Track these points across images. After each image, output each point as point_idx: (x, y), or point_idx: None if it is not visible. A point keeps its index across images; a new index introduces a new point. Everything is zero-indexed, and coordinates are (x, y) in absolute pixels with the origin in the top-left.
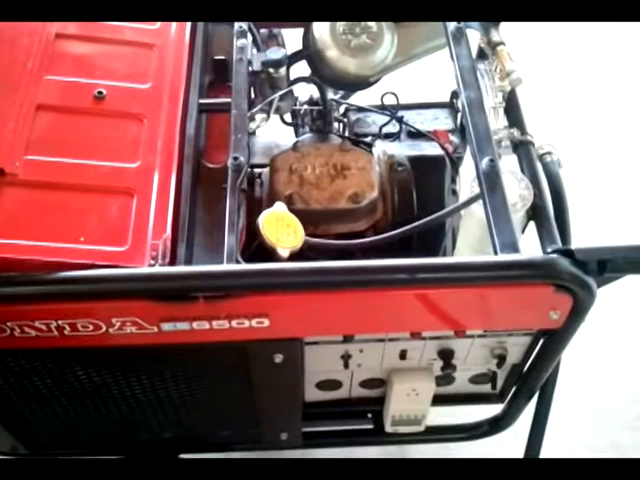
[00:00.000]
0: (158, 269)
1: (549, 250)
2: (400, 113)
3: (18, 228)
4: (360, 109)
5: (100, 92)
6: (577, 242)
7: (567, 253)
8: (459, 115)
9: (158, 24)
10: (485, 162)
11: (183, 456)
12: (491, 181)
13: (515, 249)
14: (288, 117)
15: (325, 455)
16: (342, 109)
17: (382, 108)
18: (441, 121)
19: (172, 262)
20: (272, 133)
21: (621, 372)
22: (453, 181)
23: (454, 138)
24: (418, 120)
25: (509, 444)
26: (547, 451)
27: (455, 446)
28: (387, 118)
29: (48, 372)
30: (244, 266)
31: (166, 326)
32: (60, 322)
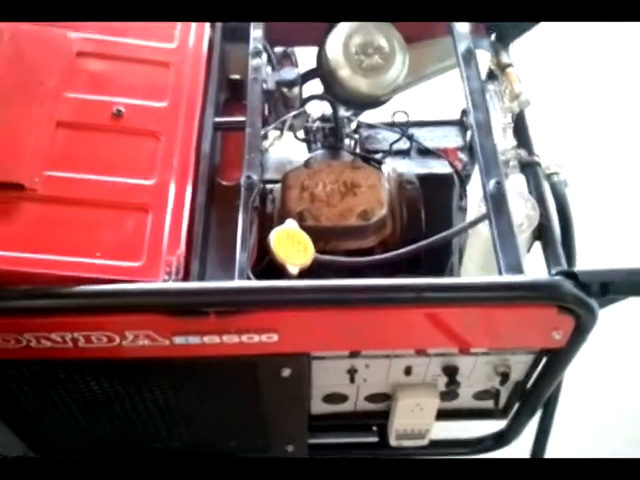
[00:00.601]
0: (172, 284)
1: (553, 272)
2: (410, 130)
3: (36, 242)
4: (371, 126)
5: (118, 110)
6: (582, 262)
7: (570, 275)
8: (468, 133)
9: (176, 43)
10: (492, 184)
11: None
12: (497, 203)
13: (519, 270)
14: (301, 133)
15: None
16: (353, 125)
17: (393, 125)
18: (451, 139)
19: (185, 278)
20: (285, 148)
21: (624, 389)
22: (461, 198)
23: (463, 156)
24: (428, 137)
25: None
26: None
27: None
28: (397, 135)
29: (62, 382)
30: (255, 283)
31: (178, 339)
32: (75, 334)
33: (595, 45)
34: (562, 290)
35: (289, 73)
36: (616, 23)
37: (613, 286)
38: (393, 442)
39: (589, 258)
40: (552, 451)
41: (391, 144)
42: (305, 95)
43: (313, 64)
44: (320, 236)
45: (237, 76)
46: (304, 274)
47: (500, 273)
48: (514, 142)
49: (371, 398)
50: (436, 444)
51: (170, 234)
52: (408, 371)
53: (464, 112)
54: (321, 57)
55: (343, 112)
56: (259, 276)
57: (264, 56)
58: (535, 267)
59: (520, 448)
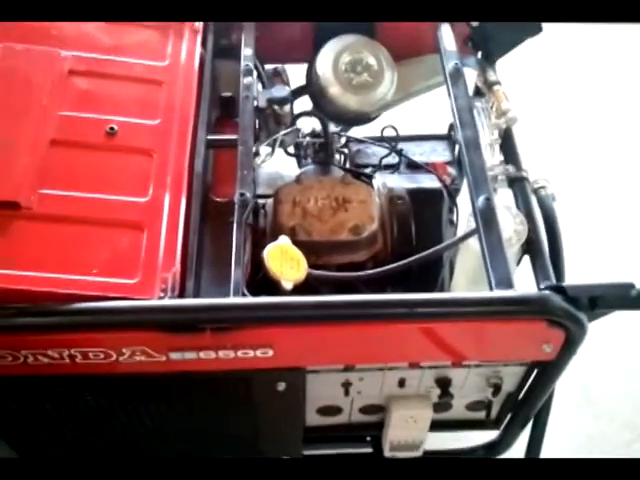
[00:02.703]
0: (167, 302)
1: (542, 286)
2: (400, 145)
3: (33, 260)
4: (360, 141)
5: (112, 128)
6: (571, 275)
7: (559, 290)
8: (457, 147)
9: (167, 61)
10: (481, 200)
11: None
12: (487, 218)
13: (509, 285)
14: (291, 148)
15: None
16: (343, 140)
17: (382, 140)
18: (439, 153)
19: (181, 294)
20: (276, 164)
21: (615, 397)
22: (451, 212)
23: (452, 170)
24: (417, 152)
25: None
26: None
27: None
28: (387, 150)
29: (59, 397)
30: (250, 299)
31: (174, 355)
32: (72, 351)
33: (581, 62)
34: (551, 304)
35: (280, 91)
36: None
37: (601, 300)
38: (387, 453)
39: (578, 271)
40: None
41: (381, 159)
42: (296, 112)
43: (303, 81)
44: (312, 250)
45: (228, 93)
46: (298, 288)
47: (491, 288)
48: (501, 158)
49: (365, 410)
50: (430, 455)
51: (165, 251)
52: (402, 383)
53: (452, 127)
54: (311, 74)
55: (333, 127)
56: (254, 292)
57: (255, 74)
58: (524, 280)
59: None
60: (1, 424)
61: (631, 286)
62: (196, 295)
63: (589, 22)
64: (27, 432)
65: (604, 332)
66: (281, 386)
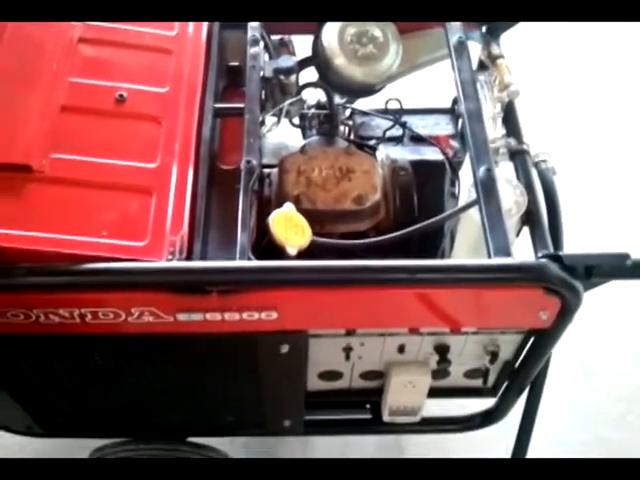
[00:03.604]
0: (175, 263)
1: (540, 255)
2: (403, 118)
3: (45, 222)
4: (365, 113)
5: (121, 95)
6: (569, 245)
7: (556, 258)
8: (460, 121)
9: (176, 30)
10: (482, 171)
11: (185, 456)
12: (487, 189)
13: (507, 253)
14: (296, 119)
15: (324, 454)
16: (348, 112)
17: (386, 113)
18: (442, 126)
19: (188, 257)
20: (281, 134)
21: (612, 371)
22: (453, 184)
23: (454, 143)
24: (420, 125)
25: (500, 438)
26: (535, 444)
27: (450, 445)
28: (391, 122)
29: (68, 356)
30: (255, 263)
31: (181, 316)
32: (83, 310)
33: (583, 37)
34: (547, 272)
35: (286, 61)
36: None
37: (597, 269)
38: (386, 418)
39: (577, 243)
40: (538, 431)
41: (384, 131)
42: (301, 82)
43: (309, 52)
44: (316, 219)
45: (236, 63)
46: (302, 255)
47: (489, 256)
48: (504, 131)
49: (365, 375)
50: (427, 421)
51: (173, 215)
52: (401, 349)
53: (455, 100)
54: (317, 46)
55: (337, 99)
56: (259, 256)
57: (262, 44)
58: (524, 252)
59: (508, 429)
60: (12, 383)
61: (626, 256)
62: (203, 258)
63: (594, 21)
64: (37, 392)
65: (603, 307)
66: (284, 348)
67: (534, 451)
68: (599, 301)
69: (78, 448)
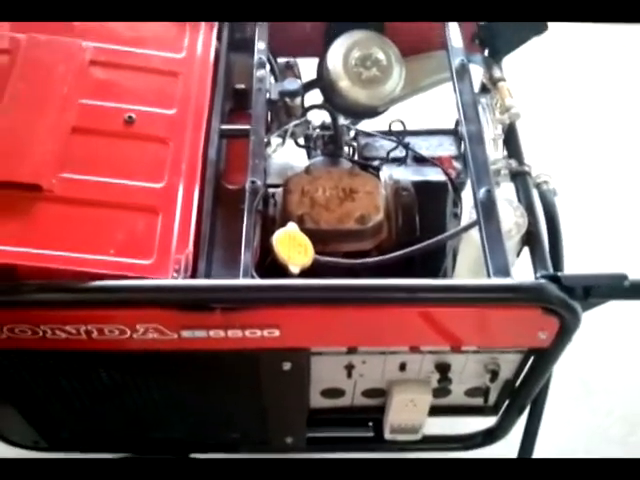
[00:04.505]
0: (180, 281)
1: (538, 275)
2: (407, 139)
3: (54, 240)
4: (369, 134)
5: (130, 117)
6: (569, 266)
7: (554, 279)
8: (462, 142)
9: (184, 53)
10: (482, 192)
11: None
12: (487, 210)
13: (506, 273)
14: (301, 140)
15: (324, 454)
16: (352, 134)
17: (389, 134)
18: (445, 147)
19: (193, 275)
20: (286, 155)
21: (614, 391)
22: (455, 205)
23: (457, 164)
24: (423, 146)
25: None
26: None
27: None
28: (394, 143)
29: (74, 372)
30: (258, 281)
31: (185, 333)
32: (89, 326)
33: (583, 60)
34: (546, 292)
35: (292, 84)
36: (607, 38)
37: (595, 290)
38: (388, 436)
39: (577, 264)
40: (540, 448)
41: (388, 152)
42: (306, 104)
43: (314, 75)
44: (319, 238)
45: (242, 85)
46: (305, 274)
47: (489, 276)
48: (505, 152)
49: (367, 393)
50: (429, 439)
51: (179, 234)
52: (403, 367)
53: (458, 122)
54: (322, 69)
55: (342, 120)
56: (262, 275)
57: (268, 67)
58: (524, 272)
59: (509, 445)
60: (18, 398)
61: (624, 277)
62: (207, 276)
63: (595, 22)
64: (42, 407)
65: (606, 326)
66: (287, 366)
67: None
68: (602, 320)
69: None
